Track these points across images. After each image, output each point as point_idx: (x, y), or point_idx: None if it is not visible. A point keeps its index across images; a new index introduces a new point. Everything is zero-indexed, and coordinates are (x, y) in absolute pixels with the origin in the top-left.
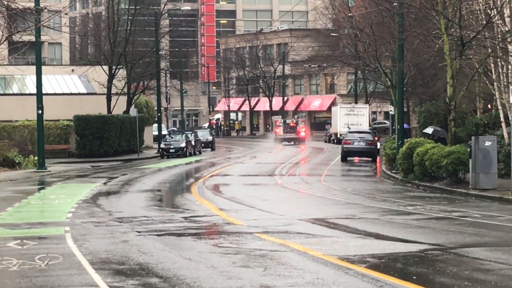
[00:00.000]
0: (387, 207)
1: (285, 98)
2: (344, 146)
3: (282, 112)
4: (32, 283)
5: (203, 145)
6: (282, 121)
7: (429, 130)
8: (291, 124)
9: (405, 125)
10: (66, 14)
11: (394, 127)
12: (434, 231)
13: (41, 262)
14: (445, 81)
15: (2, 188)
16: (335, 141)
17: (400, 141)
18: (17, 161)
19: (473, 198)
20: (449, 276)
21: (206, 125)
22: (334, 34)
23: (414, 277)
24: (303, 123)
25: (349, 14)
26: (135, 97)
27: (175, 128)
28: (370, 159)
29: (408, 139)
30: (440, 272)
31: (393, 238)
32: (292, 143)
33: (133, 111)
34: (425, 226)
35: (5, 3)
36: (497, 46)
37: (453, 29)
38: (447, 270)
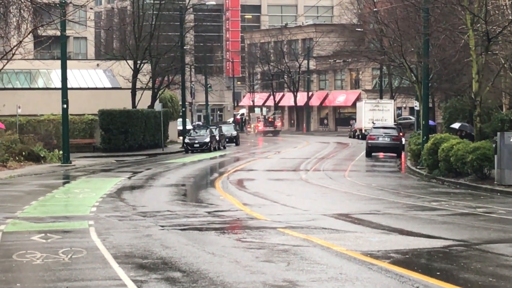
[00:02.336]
0: (412, 202)
1: (310, 93)
2: (369, 141)
3: (307, 107)
4: (56, 277)
5: (227, 140)
6: (262, 116)
7: (456, 125)
8: (270, 119)
9: (432, 122)
10: (91, 8)
11: (423, 122)
12: (459, 227)
13: (64, 255)
14: (470, 77)
15: (27, 182)
16: (360, 136)
17: (425, 137)
18: (42, 155)
19: (498, 194)
20: (473, 272)
21: (231, 120)
22: (359, 29)
23: (438, 273)
24: (279, 118)
25: (374, 9)
26: (160, 92)
27: (200, 123)
28: (395, 154)
29: (433, 135)
30: (464, 268)
31: (417, 233)
32: (271, 135)
33: (157, 106)
34: (450, 222)
35: None
36: None
37: (478, 24)
38: (471, 266)
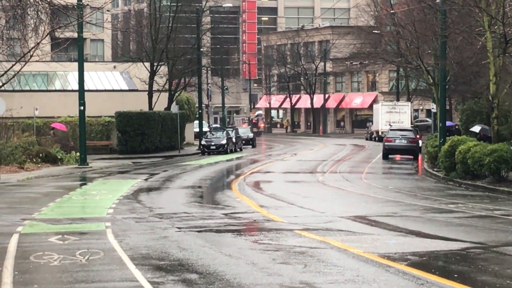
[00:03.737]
0: (429, 205)
1: (327, 95)
2: (386, 143)
3: (324, 109)
4: (73, 278)
5: (244, 142)
6: (247, 118)
7: (476, 128)
8: (254, 121)
9: (451, 123)
10: (108, 10)
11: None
12: (476, 229)
13: (82, 257)
14: (488, 79)
15: (44, 183)
16: (377, 138)
17: (442, 139)
18: (59, 157)
19: None
20: (491, 275)
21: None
22: (376, 31)
23: (456, 275)
24: (262, 120)
25: (391, 11)
26: (177, 94)
27: (217, 125)
28: (412, 157)
29: (450, 137)
30: (482, 270)
31: (435, 236)
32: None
33: (174, 108)
34: (467, 224)
35: None
36: None
37: (496, 26)
38: (489, 268)
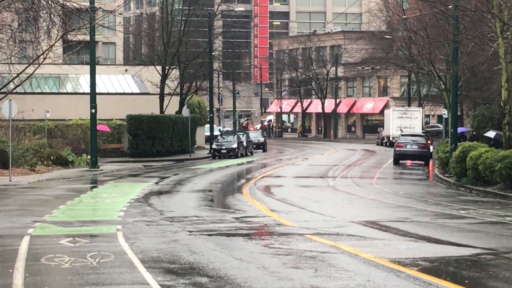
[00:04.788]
0: (440, 210)
1: (338, 100)
2: (397, 149)
3: (335, 114)
4: (84, 280)
5: (254, 146)
6: (238, 121)
7: (491, 133)
8: (244, 125)
9: (464, 129)
10: (120, 14)
11: (451, 130)
12: (487, 235)
13: (92, 259)
14: (499, 85)
15: (55, 186)
16: (388, 144)
17: (453, 145)
18: (70, 160)
19: None
20: (502, 281)
21: (258, 126)
22: (388, 37)
23: (467, 281)
24: (251, 124)
25: (403, 17)
26: (188, 98)
27: (230, 129)
28: (423, 162)
29: (461, 143)
30: (493, 276)
31: (446, 241)
32: None
33: (185, 112)
34: (478, 230)
35: (61, 1)
36: None
37: (508, 32)
38: (500, 274)
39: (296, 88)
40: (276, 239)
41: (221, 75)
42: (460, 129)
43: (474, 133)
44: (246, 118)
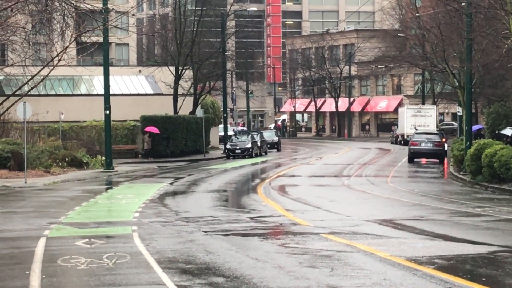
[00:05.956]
0: (455, 208)
1: (351, 99)
2: (411, 147)
3: (348, 113)
4: (100, 281)
5: (269, 146)
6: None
7: (508, 131)
8: (240, 125)
9: (479, 126)
10: (133, 15)
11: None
12: (503, 233)
13: (108, 260)
14: None
15: (70, 187)
16: (402, 142)
17: (468, 143)
18: (84, 161)
19: None
20: None
21: (272, 126)
22: (401, 35)
23: (484, 279)
24: (243, 122)
25: (417, 14)
26: (201, 98)
27: (244, 128)
28: (438, 160)
29: (476, 140)
30: (510, 274)
31: (462, 239)
32: None
33: (199, 112)
34: (494, 228)
35: (74, 3)
36: None
37: None
38: None
39: (309, 87)
40: (292, 239)
41: (234, 75)
42: (475, 127)
43: (497, 132)
44: (242, 119)
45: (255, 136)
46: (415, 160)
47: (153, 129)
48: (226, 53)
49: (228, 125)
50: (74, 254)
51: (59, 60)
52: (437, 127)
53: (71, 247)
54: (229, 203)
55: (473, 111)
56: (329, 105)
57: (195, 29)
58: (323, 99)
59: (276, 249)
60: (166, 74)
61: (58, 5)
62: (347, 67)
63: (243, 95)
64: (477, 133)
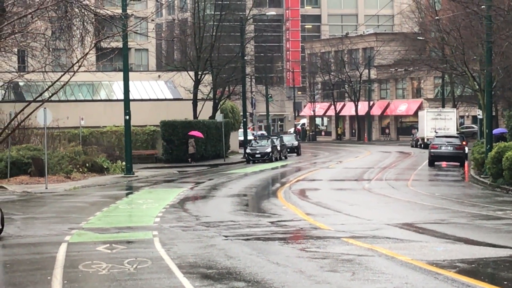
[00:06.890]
0: (476, 212)
1: (371, 102)
2: (432, 150)
3: (368, 116)
4: (122, 287)
5: (288, 150)
6: (252, 124)
7: None
8: (250, 129)
9: (502, 129)
10: (152, 20)
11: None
12: None
13: (130, 266)
14: None
15: (91, 193)
16: (422, 145)
17: (488, 146)
18: (105, 166)
19: None
20: None
21: (292, 130)
22: (421, 38)
23: (505, 283)
24: (253, 125)
25: (436, 17)
26: (221, 103)
27: (264, 132)
28: (458, 163)
29: (497, 143)
30: None
31: (483, 243)
32: None
33: (219, 116)
34: None
35: (93, 9)
36: None
37: None
38: None
39: (329, 91)
40: (313, 243)
41: (253, 80)
42: (497, 130)
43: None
44: (252, 124)
45: (275, 140)
46: (436, 163)
47: (197, 134)
48: (245, 58)
49: (248, 130)
50: (95, 259)
51: (80, 66)
52: (457, 130)
53: (92, 252)
54: (249, 207)
55: (494, 114)
56: (348, 109)
57: (214, 33)
58: (342, 103)
59: (297, 254)
60: (185, 79)
61: (78, 12)
62: (366, 70)
63: (262, 99)
64: (500, 136)
